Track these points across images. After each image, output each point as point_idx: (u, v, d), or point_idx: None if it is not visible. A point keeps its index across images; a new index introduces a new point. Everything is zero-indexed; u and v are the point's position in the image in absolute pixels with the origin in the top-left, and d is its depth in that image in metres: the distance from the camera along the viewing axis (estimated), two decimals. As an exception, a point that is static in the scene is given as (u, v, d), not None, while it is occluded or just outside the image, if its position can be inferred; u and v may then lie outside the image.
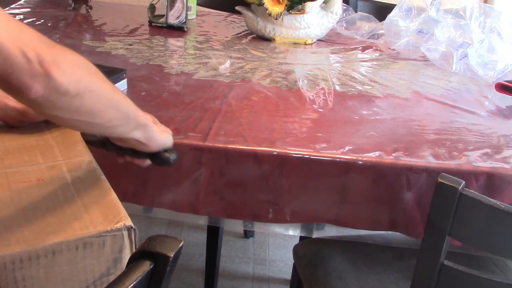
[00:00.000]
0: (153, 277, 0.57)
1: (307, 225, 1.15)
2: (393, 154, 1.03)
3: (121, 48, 1.50)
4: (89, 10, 1.83)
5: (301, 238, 1.56)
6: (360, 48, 1.72)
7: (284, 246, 2.12)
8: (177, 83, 1.30)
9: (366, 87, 1.39)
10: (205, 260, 1.70)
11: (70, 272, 0.66)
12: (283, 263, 2.03)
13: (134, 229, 0.68)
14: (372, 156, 1.02)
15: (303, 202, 1.04)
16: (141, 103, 1.14)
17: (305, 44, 1.72)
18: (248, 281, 1.92)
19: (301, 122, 1.14)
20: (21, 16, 1.69)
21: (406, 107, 1.29)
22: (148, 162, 0.86)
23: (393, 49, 1.69)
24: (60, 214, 0.68)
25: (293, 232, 1.18)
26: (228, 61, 1.46)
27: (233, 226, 1.83)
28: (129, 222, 0.68)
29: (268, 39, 1.71)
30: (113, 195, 0.74)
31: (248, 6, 1.72)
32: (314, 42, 1.75)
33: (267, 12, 1.63)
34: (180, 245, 0.59)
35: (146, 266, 0.56)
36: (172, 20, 1.72)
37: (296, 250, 1.29)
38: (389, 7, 1.83)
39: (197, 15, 1.92)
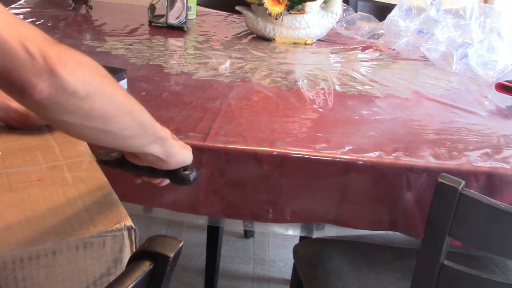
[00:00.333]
0: (153, 277, 0.57)
1: (307, 225, 1.15)
2: (393, 154, 1.03)
3: (121, 48, 1.50)
4: (89, 10, 1.83)
5: (301, 238, 1.56)
6: (360, 48, 1.72)
7: (284, 246, 2.12)
8: (177, 83, 1.30)
9: (366, 87, 1.39)
10: (205, 260, 1.70)
11: (70, 272, 0.66)
12: (283, 263, 2.03)
13: (135, 229, 0.68)
14: (372, 156, 1.02)
15: (303, 202, 1.04)
16: (141, 103, 1.14)
17: (305, 44, 1.73)
18: (248, 281, 1.92)
19: (301, 122, 1.14)
20: (21, 16, 1.69)
21: (406, 107, 1.29)
22: (166, 181, 0.81)
23: (393, 49, 1.69)
24: (61, 214, 0.68)
25: (293, 232, 1.18)
26: (228, 61, 1.46)
27: (233, 226, 1.83)
28: (129, 222, 0.68)
29: (268, 39, 1.71)
30: (114, 195, 0.74)
31: (248, 6, 1.72)
32: (314, 42, 1.75)
33: (267, 12, 1.63)
34: (180, 245, 0.58)
35: (146, 266, 0.56)
36: (172, 20, 1.72)
37: (296, 250, 1.29)
38: (389, 7, 1.83)
39: (197, 15, 1.92)
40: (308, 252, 1.26)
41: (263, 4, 1.63)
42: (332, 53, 1.68)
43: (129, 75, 1.24)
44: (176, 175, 0.78)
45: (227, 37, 1.73)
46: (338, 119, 1.17)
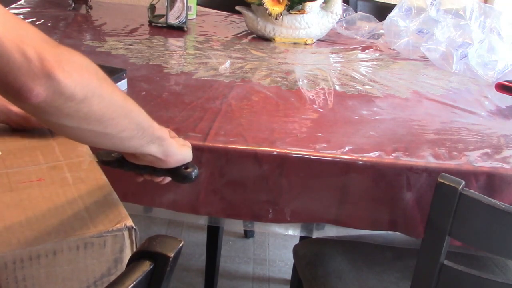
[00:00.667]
0: (153, 277, 0.57)
1: (307, 225, 1.15)
2: (393, 154, 1.04)
3: (121, 48, 1.50)
4: (89, 10, 1.83)
5: (301, 238, 1.56)
6: (360, 48, 1.72)
7: (284, 246, 2.12)
8: (177, 83, 1.30)
9: (366, 87, 1.39)
10: (205, 260, 1.70)
11: (70, 272, 0.66)
12: (283, 263, 2.03)
13: (135, 229, 0.68)
14: (372, 156, 1.02)
15: (303, 202, 1.04)
16: (141, 103, 1.14)
17: (305, 44, 1.73)
18: (248, 281, 1.92)
19: (301, 122, 1.14)
20: (21, 16, 1.69)
21: (406, 107, 1.29)
22: (168, 179, 0.81)
23: (393, 49, 1.69)
24: (61, 214, 0.69)
25: (293, 232, 1.18)
26: (228, 61, 1.46)
27: (233, 226, 1.83)
28: (129, 222, 0.68)
29: (268, 39, 1.71)
30: (114, 195, 0.74)
31: (248, 6, 1.72)
32: (314, 42, 1.75)
33: (267, 12, 1.63)
34: (180, 245, 0.58)
35: (146, 266, 0.56)
36: (172, 20, 1.72)
37: (296, 250, 1.30)
38: (389, 7, 1.83)
39: (197, 15, 1.92)
40: (308, 252, 1.26)
41: (263, 4, 1.63)
42: (332, 53, 1.68)
43: (129, 75, 1.24)
44: (178, 173, 0.78)
45: (227, 37, 1.73)
46: (338, 119, 1.17)
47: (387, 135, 1.12)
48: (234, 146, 1.01)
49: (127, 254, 0.68)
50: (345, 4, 1.86)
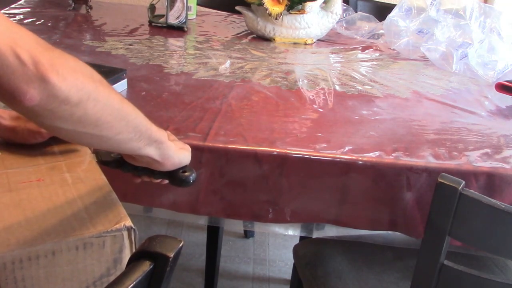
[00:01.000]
0: (153, 277, 0.57)
1: (307, 225, 1.15)
2: (393, 154, 1.03)
3: (121, 48, 1.50)
4: (89, 10, 1.83)
5: (301, 238, 1.56)
6: (360, 48, 1.72)
7: (284, 246, 2.12)
8: (177, 83, 1.30)
9: (366, 87, 1.39)
10: (205, 260, 1.70)
11: (70, 272, 0.66)
12: (283, 263, 2.03)
13: (134, 230, 0.68)
14: (372, 156, 1.02)
15: (303, 202, 1.04)
16: (141, 103, 1.15)
17: (305, 44, 1.72)
18: (248, 281, 1.92)
19: (301, 122, 1.14)
20: (21, 16, 1.69)
21: (406, 107, 1.29)
22: (166, 181, 0.81)
23: (393, 49, 1.69)
24: (60, 214, 0.68)
25: (293, 232, 1.18)
26: (228, 61, 1.46)
27: (233, 226, 1.83)
28: (129, 222, 0.68)
29: (268, 39, 1.71)
30: (113, 195, 0.74)
31: (248, 6, 1.72)
32: (314, 42, 1.75)
33: (267, 12, 1.63)
34: (180, 245, 0.58)
35: (146, 266, 0.56)
36: (172, 20, 1.72)
37: (296, 250, 1.29)
38: (389, 7, 1.83)
39: (197, 15, 1.92)
40: (308, 252, 1.26)
41: (263, 4, 1.63)
42: (332, 53, 1.68)
43: (129, 75, 1.24)
44: (176, 177, 0.78)
45: (227, 37, 1.73)
46: (338, 119, 1.17)
47: (387, 135, 1.12)
48: (234, 146, 1.01)
49: (127, 255, 0.68)
50: (345, 4, 1.86)
